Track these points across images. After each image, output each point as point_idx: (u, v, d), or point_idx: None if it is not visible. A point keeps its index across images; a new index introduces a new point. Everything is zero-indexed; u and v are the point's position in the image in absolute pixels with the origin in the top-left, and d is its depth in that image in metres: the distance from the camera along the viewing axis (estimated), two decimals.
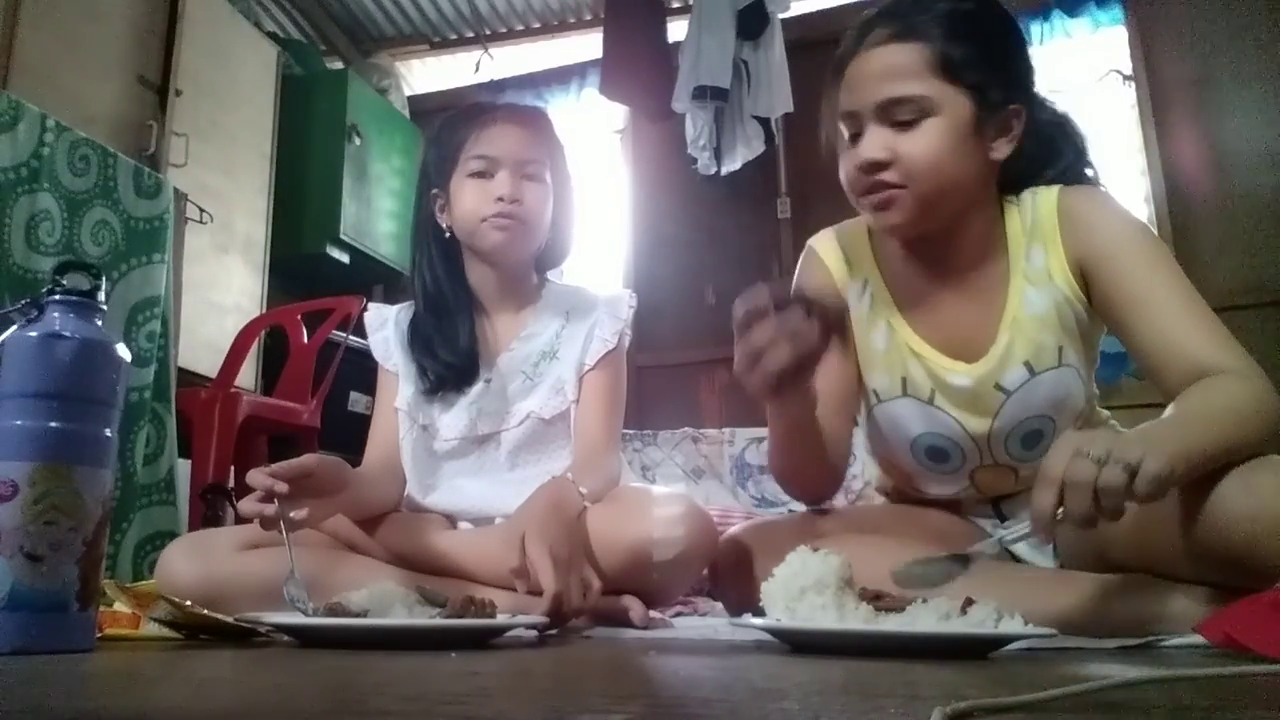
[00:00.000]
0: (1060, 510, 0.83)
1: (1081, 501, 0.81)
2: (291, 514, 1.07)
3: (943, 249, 1.17)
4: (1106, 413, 1.30)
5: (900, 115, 1.08)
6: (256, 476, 1.07)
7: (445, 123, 1.44)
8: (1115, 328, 1.13)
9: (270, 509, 1.06)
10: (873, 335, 1.23)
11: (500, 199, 1.33)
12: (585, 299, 1.46)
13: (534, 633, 1.01)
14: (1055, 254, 1.14)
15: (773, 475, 1.24)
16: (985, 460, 1.21)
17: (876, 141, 1.08)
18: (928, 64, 1.08)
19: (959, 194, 1.12)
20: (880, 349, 1.22)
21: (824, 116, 1.21)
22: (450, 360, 1.38)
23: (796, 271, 1.32)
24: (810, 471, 1.19)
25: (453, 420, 1.38)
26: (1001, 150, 1.12)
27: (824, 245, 1.29)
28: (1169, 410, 0.97)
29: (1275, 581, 0.87)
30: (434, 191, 1.41)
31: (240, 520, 1.16)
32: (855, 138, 1.12)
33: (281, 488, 1.06)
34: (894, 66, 1.08)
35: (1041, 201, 1.16)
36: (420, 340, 1.41)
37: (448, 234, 1.40)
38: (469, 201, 1.36)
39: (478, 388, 1.38)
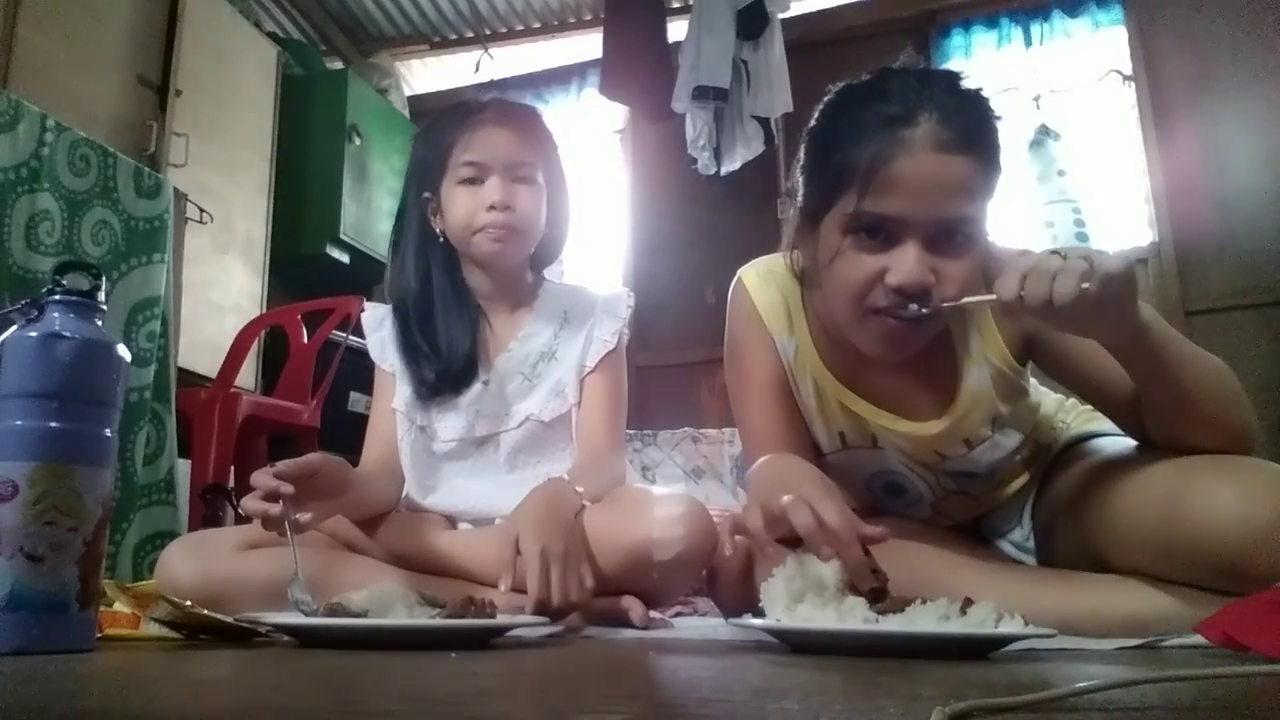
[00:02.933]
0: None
1: (1040, 286, 0.84)
2: (296, 516, 1.07)
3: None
4: (1055, 399, 1.29)
5: (953, 240, 0.97)
6: (261, 478, 1.06)
7: (433, 123, 1.42)
8: (1072, 384, 1.12)
9: (275, 509, 1.05)
10: (801, 391, 1.20)
11: (492, 207, 1.32)
12: (583, 298, 1.45)
13: (535, 633, 1.01)
14: (990, 334, 1.11)
15: None
16: (939, 493, 1.22)
17: (925, 264, 0.96)
18: (982, 184, 0.98)
19: None
20: (811, 405, 1.20)
21: (796, 182, 1.09)
22: (448, 362, 1.37)
23: (731, 306, 1.25)
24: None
25: (451, 422, 1.37)
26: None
27: (755, 289, 1.21)
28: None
29: (1265, 588, 0.87)
30: (425, 195, 1.39)
31: (240, 520, 1.16)
32: (875, 240, 0.98)
33: (287, 489, 1.05)
34: (959, 182, 0.96)
35: None
36: (416, 342, 1.39)
37: (441, 238, 1.39)
38: (461, 210, 1.34)
39: (475, 389, 1.37)
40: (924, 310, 0.97)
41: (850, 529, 0.86)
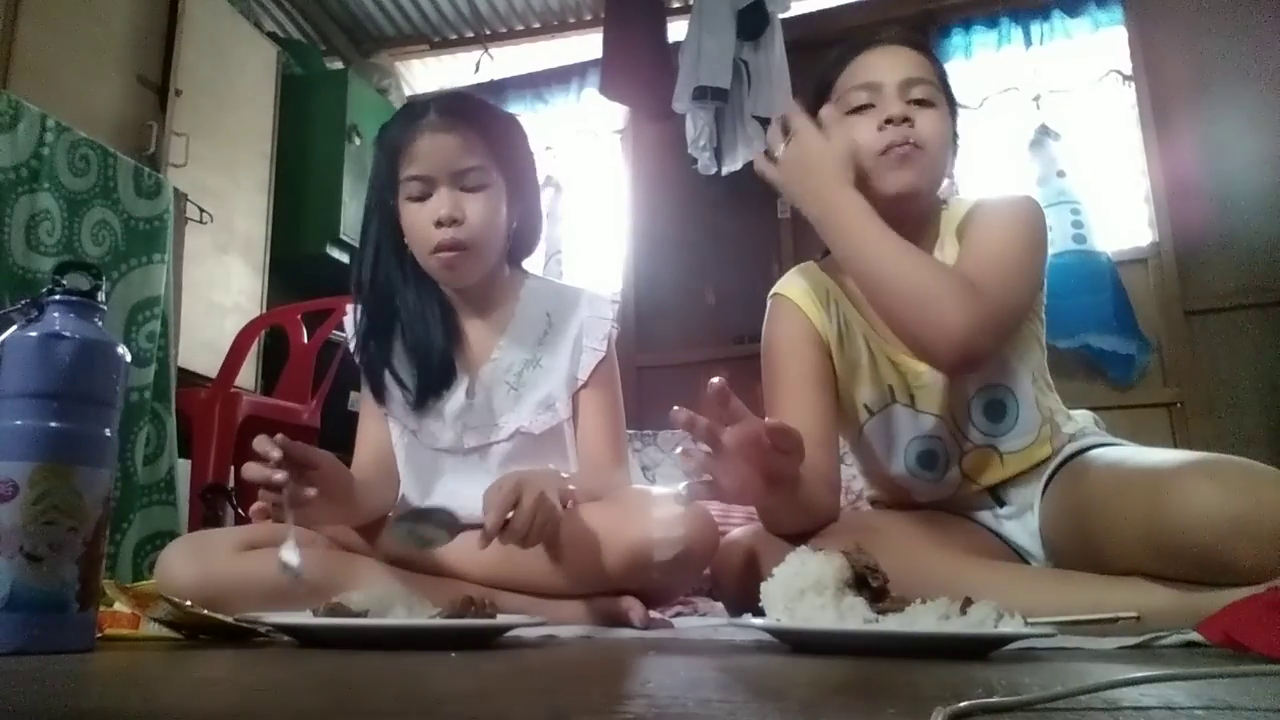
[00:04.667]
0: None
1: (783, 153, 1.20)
2: (298, 488, 1.04)
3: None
4: (1073, 410, 1.35)
5: (916, 94, 1.22)
6: (261, 442, 1.04)
7: (382, 132, 1.36)
8: None
9: (279, 476, 1.02)
10: (854, 352, 1.29)
11: (439, 223, 1.27)
12: (566, 299, 1.41)
13: (535, 633, 1.01)
14: (956, 248, 1.25)
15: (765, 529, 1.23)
16: (966, 446, 1.26)
17: (901, 106, 1.21)
18: (933, 71, 1.27)
19: (938, 186, 1.27)
20: (864, 363, 1.28)
21: (811, 91, 1.33)
22: (424, 367, 1.34)
23: (767, 320, 1.35)
24: (802, 521, 1.19)
25: (440, 432, 1.36)
26: (951, 166, 1.27)
27: (788, 288, 1.35)
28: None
29: (1243, 580, 0.90)
30: (392, 203, 1.34)
31: (240, 521, 1.16)
32: (866, 108, 1.23)
33: (276, 454, 1.02)
34: (914, 59, 1.26)
35: (960, 206, 1.30)
36: (392, 350, 1.37)
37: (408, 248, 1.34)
38: (414, 228, 1.30)
39: (461, 403, 1.35)
40: (911, 140, 1.20)
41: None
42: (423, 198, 1.29)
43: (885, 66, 1.24)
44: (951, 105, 1.28)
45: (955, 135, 1.29)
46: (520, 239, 1.42)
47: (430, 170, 1.28)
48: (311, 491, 1.06)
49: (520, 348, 1.38)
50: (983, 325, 1.09)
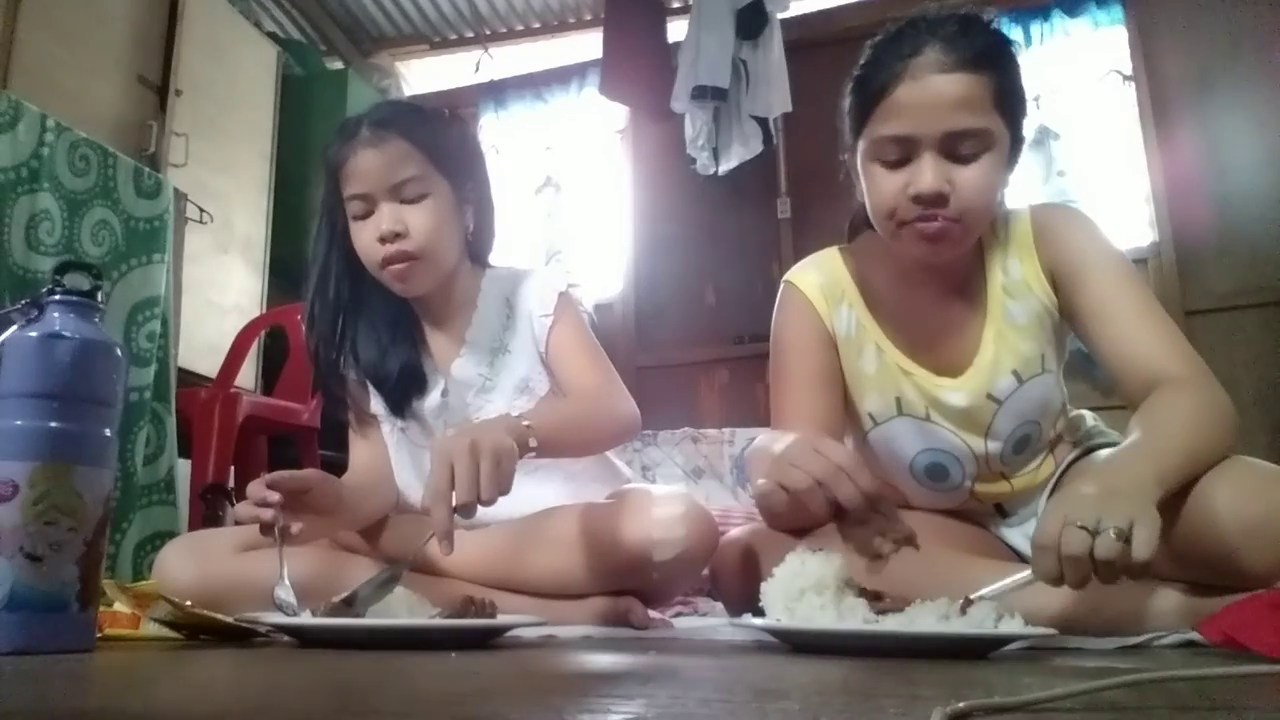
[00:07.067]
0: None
1: (1081, 572, 0.79)
2: (287, 524, 1.08)
3: (936, 271, 1.17)
4: (1074, 410, 1.32)
5: (964, 149, 1.05)
6: (255, 487, 1.08)
7: (323, 153, 1.33)
8: (1081, 335, 1.17)
9: (267, 514, 1.07)
10: (861, 359, 1.23)
11: (383, 239, 1.26)
12: (521, 281, 1.40)
13: (535, 633, 1.01)
14: (1031, 265, 1.17)
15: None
16: (982, 470, 1.22)
17: (939, 173, 1.05)
18: (990, 96, 1.05)
19: (976, 238, 1.15)
20: (871, 372, 1.23)
21: (841, 128, 1.17)
22: (394, 381, 1.34)
23: (778, 309, 1.30)
24: (809, 519, 1.18)
25: (424, 432, 1.37)
26: (1008, 178, 1.13)
27: (802, 279, 1.28)
28: (1135, 433, 0.98)
29: (1258, 582, 0.89)
30: (342, 223, 1.33)
31: (239, 521, 1.16)
32: (900, 162, 1.07)
33: (274, 497, 1.07)
34: (962, 98, 1.04)
35: (1015, 219, 1.20)
36: (360, 366, 1.36)
37: None
38: (362, 247, 1.29)
39: (437, 402, 1.36)
40: (945, 219, 1.05)
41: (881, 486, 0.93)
42: (365, 215, 1.28)
43: (925, 113, 1.04)
44: (1016, 117, 1.10)
45: (1019, 149, 1.12)
46: (479, 237, 1.41)
47: (368, 188, 1.26)
48: (298, 526, 1.10)
49: (487, 339, 1.37)
50: (1215, 386, 1.05)
